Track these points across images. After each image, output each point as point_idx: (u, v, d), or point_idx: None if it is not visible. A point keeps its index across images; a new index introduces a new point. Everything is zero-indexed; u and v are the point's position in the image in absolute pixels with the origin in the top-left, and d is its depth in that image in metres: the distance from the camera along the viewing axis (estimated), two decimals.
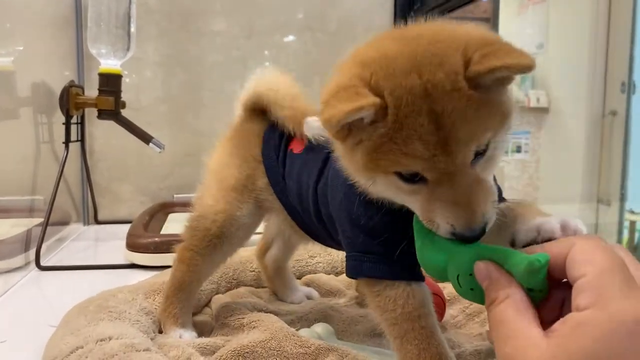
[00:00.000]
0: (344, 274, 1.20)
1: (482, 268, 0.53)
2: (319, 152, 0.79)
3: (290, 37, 1.95)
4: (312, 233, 0.89)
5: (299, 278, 1.16)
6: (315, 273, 1.20)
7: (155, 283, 0.97)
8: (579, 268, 0.46)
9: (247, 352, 0.78)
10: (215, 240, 0.87)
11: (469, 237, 0.53)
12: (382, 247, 0.66)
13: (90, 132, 1.84)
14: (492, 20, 1.98)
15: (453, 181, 0.52)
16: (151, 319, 0.88)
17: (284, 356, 0.78)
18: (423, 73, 0.51)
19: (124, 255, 1.37)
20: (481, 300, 0.56)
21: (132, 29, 1.52)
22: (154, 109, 1.87)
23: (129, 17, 1.50)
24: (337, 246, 0.85)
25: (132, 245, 1.34)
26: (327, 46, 1.94)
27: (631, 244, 3.89)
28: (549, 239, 0.54)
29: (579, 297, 0.44)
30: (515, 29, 4.28)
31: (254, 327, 0.87)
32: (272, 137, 0.88)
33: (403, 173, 0.54)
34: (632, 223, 3.89)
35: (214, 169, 0.92)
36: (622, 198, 3.67)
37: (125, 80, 1.80)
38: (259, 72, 0.91)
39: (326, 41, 1.95)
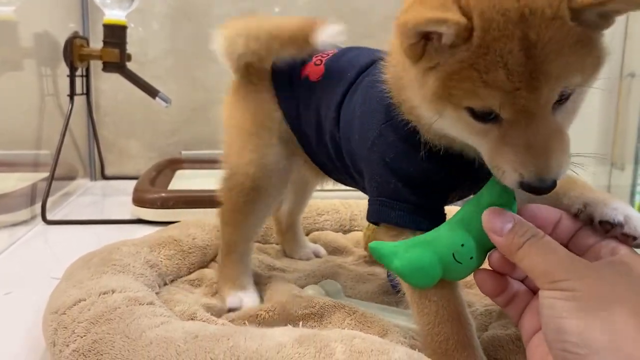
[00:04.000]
0: (352, 232, 1.19)
1: (497, 213, 0.54)
2: (338, 82, 0.74)
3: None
4: (325, 167, 0.85)
5: (306, 235, 1.15)
6: (323, 230, 1.18)
7: (160, 237, 0.96)
8: None
9: (252, 317, 0.77)
10: (253, 193, 0.83)
11: (537, 188, 0.49)
12: (416, 197, 0.63)
13: (97, 86, 1.81)
14: None
15: (531, 124, 0.48)
16: (156, 272, 0.87)
17: (289, 319, 0.76)
18: None
19: (130, 210, 1.36)
20: (478, 264, 0.58)
21: None
22: (160, 63, 1.84)
23: None
24: (351, 182, 0.81)
25: (139, 201, 1.33)
26: (340, 0, 1.87)
27: None
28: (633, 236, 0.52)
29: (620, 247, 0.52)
30: None
31: (261, 290, 0.86)
32: (281, 67, 0.82)
33: (476, 109, 0.49)
34: None
35: (231, 123, 0.87)
36: (636, 163, 3.61)
37: (131, 33, 1.77)
38: (219, 34, 0.83)
39: None
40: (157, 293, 0.82)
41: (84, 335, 0.62)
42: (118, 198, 1.59)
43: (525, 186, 0.49)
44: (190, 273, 0.94)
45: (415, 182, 0.62)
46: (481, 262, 0.59)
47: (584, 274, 0.49)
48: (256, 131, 0.83)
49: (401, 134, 0.62)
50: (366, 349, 0.55)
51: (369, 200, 0.69)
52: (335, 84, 0.75)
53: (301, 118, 0.81)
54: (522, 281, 0.60)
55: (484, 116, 0.50)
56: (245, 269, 0.87)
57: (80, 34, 1.56)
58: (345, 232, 1.20)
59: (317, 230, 1.18)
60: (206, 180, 1.20)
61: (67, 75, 1.47)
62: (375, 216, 0.67)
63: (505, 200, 0.56)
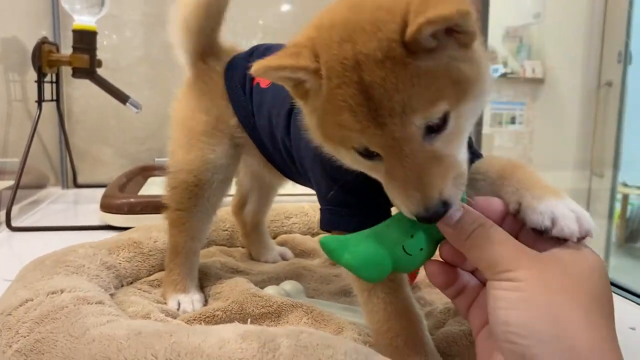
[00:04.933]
0: (321, 235, 1.17)
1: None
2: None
3: None
4: (284, 171, 0.86)
5: (273, 238, 1.14)
6: (291, 233, 1.17)
7: (120, 239, 0.94)
8: None
9: (208, 317, 0.76)
10: (196, 189, 0.83)
11: (427, 218, 0.49)
12: (359, 199, 0.64)
13: (69, 93, 1.79)
14: None
15: (403, 158, 0.48)
16: (113, 273, 0.85)
17: (246, 318, 0.75)
18: (357, 42, 0.48)
19: (99, 217, 1.33)
20: (428, 256, 0.57)
21: None
22: (133, 70, 1.82)
23: None
24: (311, 185, 0.80)
25: (106, 206, 1.31)
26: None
27: (623, 217, 3.88)
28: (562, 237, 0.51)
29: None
30: None
31: (218, 292, 0.84)
32: (236, 72, 0.83)
33: (356, 148, 0.51)
34: (625, 196, 3.88)
35: (181, 120, 0.88)
36: (615, 170, 3.65)
37: (104, 40, 1.76)
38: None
39: (324, 5, 1.88)
40: (112, 294, 0.80)
41: (27, 335, 0.60)
42: (89, 206, 1.56)
43: (419, 218, 0.50)
44: (150, 275, 0.92)
45: (357, 188, 0.63)
46: (431, 253, 0.58)
47: (529, 265, 0.49)
48: (210, 132, 0.84)
49: None
50: (312, 343, 0.54)
51: (320, 210, 0.69)
52: (284, 91, 0.75)
53: (256, 125, 0.82)
54: (473, 273, 0.59)
55: (367, 154, 0.51)
56: (189, 271, 0.86)
57: (51, 40, 1.55)
58: (313, 235, 1.19)
59: (286, 233, 1.17)
60: None
61: (35, 81, 1.45)
62: (325, 225, 0.68)
63: None
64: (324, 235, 0.64)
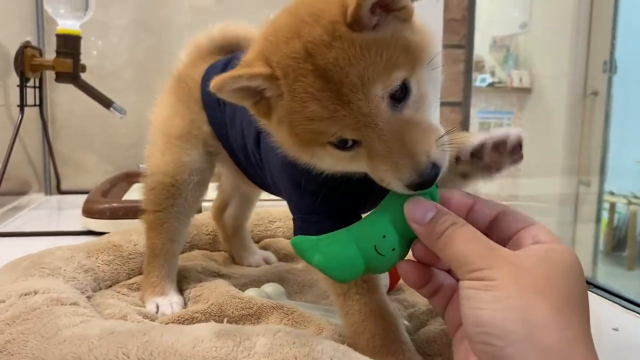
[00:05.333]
0: None
1: (418, 202, 0.53)
2: None
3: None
4: (257, 181, 0.86)
5: (257, 242, 1.12)
6: (275, 237, 1.15)
7: (100, 242, 0.93)
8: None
9: (187, 320, 0.75)
10: (172, 190, 0.83)
11: (422, 183, 0.49)
12: (331, 205, 0.63)
13: (53, 98, 1.77)
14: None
15: (379, 133, 0.49)
16: (91, 276, 0.84)
17: (226, 320, 0.74)
18: (302, 35, 0.50)
19: (80, 222, 1.31)
20: (401, 256, 0.56)
21: None
22: (119, 75, 1.81)
23: None
24: (283, 195, 0.80)
25: (88, 211, 1.29)
26: None
27: (610, 226, 3.90)
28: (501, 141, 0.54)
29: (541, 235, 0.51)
30: (499, 8, 4.23)
31: (198, 295, 0.83)
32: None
33: (333, 141, 0.51)
34: (612, 205, 3.90)
35: (158, 124, 0.89)
36: (602, 179, 3.67)
37: (90, 45, 1.75)
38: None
39: None
40: (89, 297, 0.79)
41: None
42: (72, 211, 1.54)
43: (413, 186, 0.50)
44: (129, 278, 0.91)
45: (327, 196, 0.62)
46: (404, 253, 0.57)
47: (501, 263, 0.48)
48: (185, 136, 0.85)
49: None
50: (288, 342, 0.53)
51: (292, 219, 0.69)
52: None
53: (229, 136, 0.83)
54: (449, 272, 0.58)
55: (344, 144, 0.51)
56: (167, 273, 0.85)
57: (35, 45, 1.54)
58: None
59: (269, 237, 1.16)
60: None
61: (17, 86, 1.44)
62: (297, 233, 0.67)
63: (429, 190, 0.55)
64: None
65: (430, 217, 0.52)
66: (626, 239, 3.88)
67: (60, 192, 1.79)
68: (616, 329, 0.79)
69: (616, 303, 0.87)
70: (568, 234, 3.50)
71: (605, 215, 3.80)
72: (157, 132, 0.88)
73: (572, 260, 0.49)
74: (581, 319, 0.46)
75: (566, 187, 3.58)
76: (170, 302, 0.82)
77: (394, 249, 0.56)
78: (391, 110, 0.50)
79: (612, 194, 3.83)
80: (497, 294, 0.46)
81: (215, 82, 0.50)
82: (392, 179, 0.50)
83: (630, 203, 3.84)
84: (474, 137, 0.57)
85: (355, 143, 0.51)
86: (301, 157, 0.57)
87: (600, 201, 3.55)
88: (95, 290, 0.83)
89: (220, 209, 1.05)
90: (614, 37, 3.42)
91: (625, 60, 3.44)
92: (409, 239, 0.56)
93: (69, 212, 1.56)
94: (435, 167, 0.49)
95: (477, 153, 0.56)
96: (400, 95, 0.50)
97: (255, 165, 0.79)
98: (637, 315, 0.84)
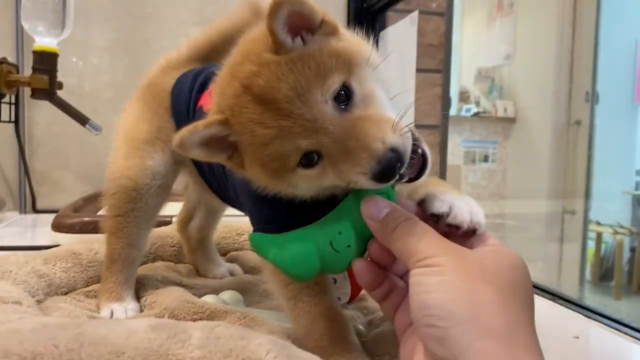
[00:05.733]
0: None
1: (374, 200, 0.55)
2: None
3: None
4: (220, 194, 0.86)
5: (224, 255, 1.11)
6: (242, 250, 1.14)
7: (60, 250, 0.92)
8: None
9: None
10: (134, 194, 0.82)
11: (385, 171, 0.49)
12: (290, 217, 0.62)
13: (30, 116, 1.77)
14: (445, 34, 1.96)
15: (332, 136, 0.51)
16: (45, 282, 0.82)
17: None
18: (237, 74, 0.54)
19: (50, 237, 1.30)
20: (357, 254, 0.56)
21: (69, 7, 1.47)
22: (98, 95, 1.82)
23: None
24: (244, 209, 0.81)
25: (57, 226, 1.28)
26: None
27: (597, 256, 3.89)
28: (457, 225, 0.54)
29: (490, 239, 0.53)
30: (484, 40, 4.32)
31: (154, 301, 0.81)
32: (182, 90, 0.84)
33: (299, 162, 0.53)
34: (599, 235, 3.90)
35: (124, 129, 0.89)
36: (586, 209, 3.69)
37: (69, 65, 1.76)
38: None
39: (320, 3, 1.90)
40: (39, 300, 0.77)
41: None
42: (45, 229, 1.52)
43: (378, 175, 0.50)
44: (87, 286, 0.89)
45: (288, 207, 0.62)
46: (360, 252, 0.57)
47: (451, 252, 0.49)
48: (152, 141, 0.84)
49: None
50: (225, 335, 0.52)
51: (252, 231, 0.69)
52: None
53: None
54: (402, 277, 0.59)
55: (308, 162, 0.53)
56: (125, 279, 0.83)
57: (13, 62, 1.55)
58: None
59: (237, 250, 1.15)
60: None
61: None
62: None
63: (384, 190, 0.56)
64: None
65: (385, 214, 0.53)
66: (613, 269, 3.86)
67: (36, 211, 1.77)
68: (577, 337, 0.78)
69: (577, 312, 0.87)
70: (555, 268, 3.50)
71: (591, 244, 3.80)
72: (122, 137, 0.88)
73: (519, 262, 0.50)
74: (526, 311, 0.47)
75: (551, 218, 3.59)
76: (125, 309, 0.80)
77: (349, 246, 0.56)
78: (338, 112, 0.51)
79: (598, 223, 3.84)
80: (444, 278, 0.47)
81: (176, 139, 0.54)
82: (356, 176, 0.51)
83: (616, 233, 3.84)
84: (442, 191, 0.57)
85: (319, 158, 0.53)
86: (281, 189, 0.58)
87: (585, 229, 3.56)
88: (50, 295, 0.82)
89: (185, 221, 1.04)
90: (595, 69, 3.49)
91: (607, 90, 3.50)
92: (365, 237, 0.56)
93: (42, 229, 1.54)
94: (395, 151, 0.50)
95: (434, 217, 0.56)
96: (344, 97, 0.52)
97: (218, 178, 0.80)
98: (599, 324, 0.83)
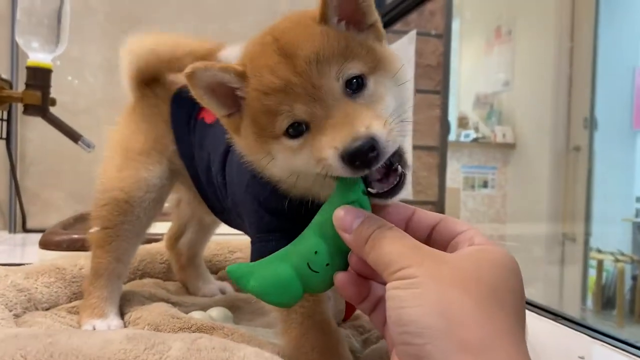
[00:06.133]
0: None
1: (347, 211, 0.51)
2: None
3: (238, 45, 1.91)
4: (214, 207, 0.83)
5: (215, 272, 1.07)
6: None
7: (43, 265, 0.88)
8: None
9: None
10: (126, 206, 0.80)
11: (360, 152, 0.47)
12: (289, 224, 0.60)
13: (24, 134, 1.75)
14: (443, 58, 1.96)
15: (327, 111, 0.50)
16: (25, 296, 0.79)
17: None
18: (274, 30, 0.55)
19: (38, 255, 1.26)
20: (337, 271, 0.53)
21: (64, 23, 1.46)
22: (93, 113, 1.80)
23: (60, 9, 1.45)
24: (238, 223, 0.79)
25: (44, 243, 1.24)
26: None
27: (599, 283, 3.83)
28: None
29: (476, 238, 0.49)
30: (482, 67, 4.34)
31: (138, 317, 0.78)
32: (183, 102, 0.81)
33: (287, 129, 0.52)
34: (600, 262, 3.85)
35: (118, 141, 0.86)
36: (587, 236, 3.65)
37: (64, 82, 1.75)
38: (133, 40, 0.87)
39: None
40: (17, 315, 0.73)
41: None
42: (33, 248, 1.49)
43: (348, 155, 0.47)
44: (70, 302, 0.86)
45: (287, 215, 0.61)
46: (341, 267, 0.53)
47: (423, 260, 0.45)
48: (148, 152, 0.82)
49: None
50: (207, 347, 0.49)
51: (250, 242, 0.67)
52: (224, 129, 0.74)
53: (194, 158, 0.81)
54: None
55: (297, 131, 0.52)
56: (109, 295, 0.80)
57: (8, 78, 1.53)
58: None
59: None
60: None
61: None
62: (256, 254, 0.65)
63: (357, 198, 0.52)
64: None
65: (358, 224, 0.50)
66: (615, 297, 3.80)
67: (26, 230, 1.74)
68: (582, 357, 0.75)
69: (582, 333, 0.83)
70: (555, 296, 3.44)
71: (592, 272, 3.75)
72: (115, 148, 0.85)
73: (505, 259, 0.47)
74: (506, 314, 0.43)
75: (551, 245, 3.55)
76: (108, 325, 0.77)
77: (327, 264, 0.52)
78: (344, 94, 0.51)
79: (599, 251, 3.79)
80: (417, 292, 0.43)
81: (188, 69, 0.53)
82: (329, 149, 0.49)
83: (617, 260, 3.79)
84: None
85: (305, 131, 0.52)
86: (259, 158, 0.56)
87: (586, 264, 3.52)
88: (29, 310, 0.78)
89: (174, 238, 1.01)
90: (593, 95, 3.49)
91: (605, 117, 3.50)
92: (343, 251, 0.52)
93: (31, 248, 1.50)
94: (375, 141, 0.47)
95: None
96: (355, 86, 0.52)
97: (217, 188, 0.77)
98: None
